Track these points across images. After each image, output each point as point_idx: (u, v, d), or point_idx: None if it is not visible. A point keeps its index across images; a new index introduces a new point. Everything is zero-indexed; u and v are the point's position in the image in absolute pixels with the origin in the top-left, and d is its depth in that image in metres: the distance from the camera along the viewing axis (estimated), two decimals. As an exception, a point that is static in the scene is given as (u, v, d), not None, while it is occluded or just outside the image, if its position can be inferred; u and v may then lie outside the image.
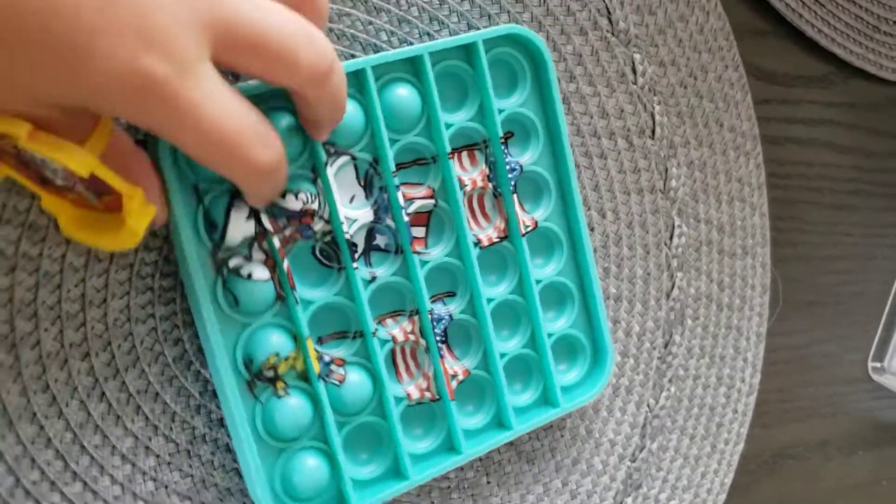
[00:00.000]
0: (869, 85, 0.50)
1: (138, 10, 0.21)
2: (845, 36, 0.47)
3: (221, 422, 0.33)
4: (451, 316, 0.35)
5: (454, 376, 0.35)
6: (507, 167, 0.36)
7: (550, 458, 0.40)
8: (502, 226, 0.36)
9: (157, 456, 0.32)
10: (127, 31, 0.21)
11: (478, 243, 0.35)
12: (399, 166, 0.34)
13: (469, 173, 0.35)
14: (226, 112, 0.23)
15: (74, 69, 0.21)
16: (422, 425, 0.35)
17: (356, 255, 0.33)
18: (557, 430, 0.40)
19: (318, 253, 0.33)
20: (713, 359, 0.44)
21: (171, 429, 0.32)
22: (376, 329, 0.33)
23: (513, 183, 0.36)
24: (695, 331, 0.43)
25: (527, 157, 0.36)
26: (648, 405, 0.42)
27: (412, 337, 0.34)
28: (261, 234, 0.31)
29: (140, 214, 0.25)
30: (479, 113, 0.35)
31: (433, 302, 0.35)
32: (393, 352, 0.34)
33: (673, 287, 0.42)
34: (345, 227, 0.32)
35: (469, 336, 0.36)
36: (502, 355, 0.36)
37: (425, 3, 0.35)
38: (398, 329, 0.34)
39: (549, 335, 0.37)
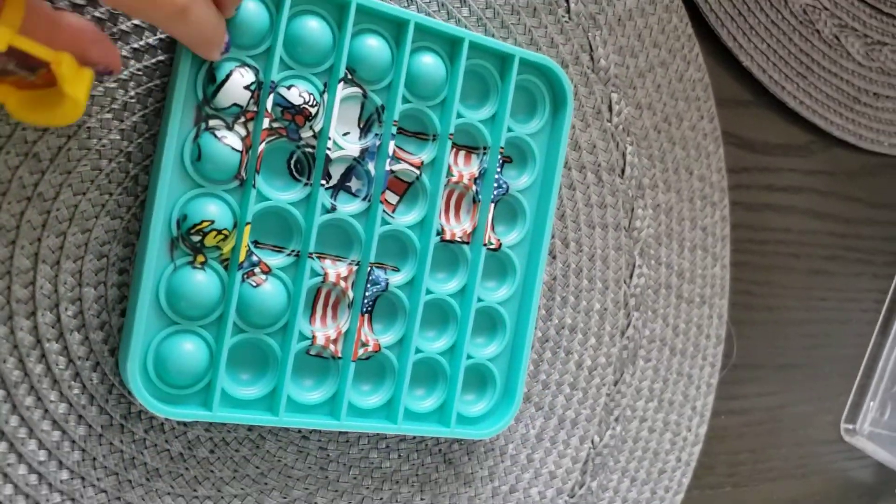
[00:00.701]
0: (848, 154, 0.52)
1: None
2: (826, 107, 0.49)
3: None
4: (387, 285, 0.35)
5: (365, 344, 0.34)
6: (496, 181, 0.36)
7: (488, 483, 0.40)
8: (469, 230, 0.36)
9: (90, 426, 0.31)
10: None
11: (441, 233, 0.36)
12: (401, 130, 0.35)
13: (459, 168, 0.36)
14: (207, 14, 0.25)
15: None
16: (313, 377, 0.34)
17: (326, 184, 0.33)
18: (499, 454, 0.40)
19: (292, 162, 0.33)
20: (661, 403, 0.44)
21: (108, 400, 0.32)
22: (313, 256, 0.33)
23: (494, 197, 0.36)
24: (646, 372, 0.43)
25: (517, 182, 0.37)
26: (592, 441, 0.42)
27: (343, 285, 0.34)
28: (251, 112, 0.31)
29: (74, 80, 0.25)
30: (491, 121, 0.36)
31: (377, 266, 0.35)
32: (318, 290, 0.34)
33: (629, 326, 0.43)
34: (329, 148, 0.33)
35: (395, 315, 0.35)
36: (418, 350, 0.35)
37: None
38: (333, 270, 0.34)
39: (469, 357, 0.37)
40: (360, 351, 0.34)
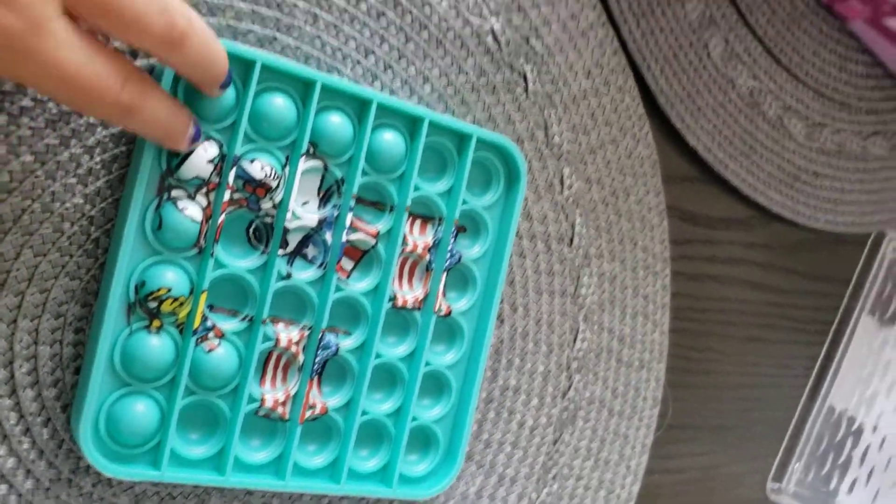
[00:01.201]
0: (787, 228, 0.54)
1: None
2: (767, 184, 0.52)
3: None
4: (337, 350, 0.36)
5: (312, 407, 0.35)
6: (449, 251, 0.38)
7: (426, 534, 0.41)
8: (421, 297, 0.38)
9: (37, 480, 0.32)
10: None
11: (393, 300, 0.37)
12: (358, 199, 0.36)
13: (415, 238, 0.38)
14: (74, 60, 0.25)
15: None
16: (261, 437, 0.35)
17: (283, 251, 0.34)
18: (440, 507, 0.41)
19: (251, 230, 0.34)
20: (598, 462, 0.46)
21: (57, 455, 0.32)
22: (266, 322, 0.34)
23: (447, 266, 0.38)
24: (584, 432, 0.45)
25: (469, 251, 0.39)
26: (530, 498, 0.44)
27: (294, 349, 0.35)
28: (213, 184, 0.32)
29: None
30: (447, 194, 0.38)
31: (329, 331, 0.36)
32: (269, 354, 0.35)
33: (570, 388, 0.44)
34: (287, 219, 0.34)
35: (343, 378, 0.37)
36: (364, 412, 0.37)
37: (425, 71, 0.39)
38: (285, 335, 0.35)
39: (414, 418, 0.38)
40: (308, 413, 0.35)
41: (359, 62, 0.37)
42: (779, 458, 0.57)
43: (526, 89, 0.41)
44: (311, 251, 0.36)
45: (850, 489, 0.59)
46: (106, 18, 0.25)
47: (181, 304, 0.32)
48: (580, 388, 0.45)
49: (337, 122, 0.35)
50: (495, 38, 0.40)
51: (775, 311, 0.55)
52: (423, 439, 0.39)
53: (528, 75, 0.41)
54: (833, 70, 0.53)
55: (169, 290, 0.32)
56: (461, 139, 0.38)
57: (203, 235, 0.32)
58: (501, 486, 0.43)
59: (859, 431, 0.60)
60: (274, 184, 0.33)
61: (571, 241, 0.44)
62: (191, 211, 0.32)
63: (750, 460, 0.56)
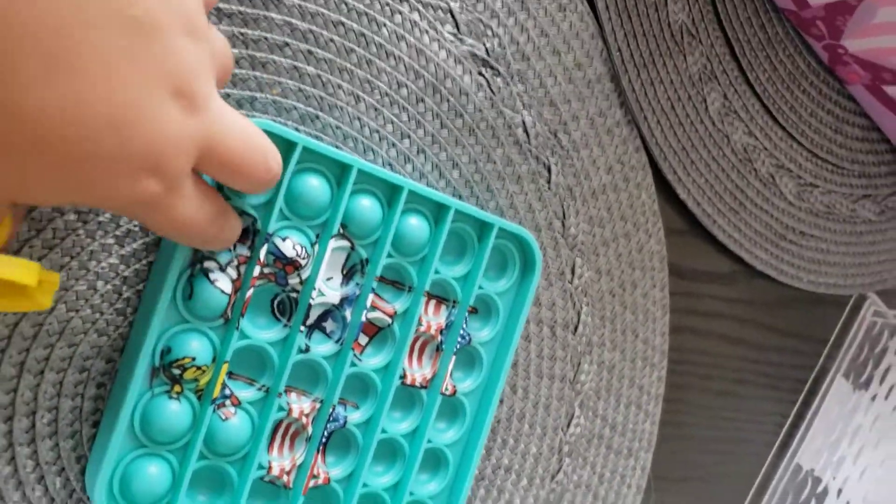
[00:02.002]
0: (768, 286, 0.55)
1: (152, 146, 0.24)
2: (753, 241, 0.53)
3: None
4: (345, 423, 0.37)
5: (315, 476, 0.37)
6: (460, 334, 0.39)
7: None
8: (429, 376, 0.39)
9: (46, 528, 0.33)
10: (137, 160, 0.24)
11: (402, 377, 0.38)
12: (380, 278, 0.37)
13: (429, 318, 0.39)
14: (195, 214, 0.28)
15: (78, 183, 0.24)
16: (263, 502, 0.36)
17: (304, 325, 0.35)
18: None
19: (276, 303, 0.35)
20: (579, 544, 0.47)
21: (67, 504, 0.34)
22: (282, 394, 0.35)
23: (457, 348, 0.39)
24: (569, 514, 0.47)
25: (478, 334, 0.40)
26: (511, 575, 0.45)
27: (304, 420, 0.36)
28: (244, 258, 0.34)
29: (42, 291, 0.26)
30: (464, 279, 0.39)
31: (339, 403, 0.37)
32: (279, 422, 0.36)
33: (559, 471, 0.46)
34: (312, 296, 0.35)
35: (348, 449, 0.38)
36: (364, 485, 0.38)
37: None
38: (297, 406, 0.36)
39: (411, 493, 0.39)
40: (311, 483, 0.37)
41: (394, 145, 0.39)
42: None
43: (549, 181, 0.43)
44: (329, 325, 0.37)
45: None
46: (228, 177, 0.28)
47: (203, 371, 0.33)
48: (569, 471, 0.46)
49: (367, 206, 0.36)
50: (525, 131, 0.42)
51: (750, 367, 0.56)
52: (416, 513, 0.40)
53: (553, 167, 0.43)
54: (829, 131, 0.54)
55: (193, 359, 0.33)
56: (483, 227, 0.39)
57: (230, 307, 0.34)
58: (485, 561, 0.44)
59: (824, 494, 0.62)
60: (303, 262, 0.35)
61: (576, 328, 0.45)
62: (221, 283, 0.33)
63: None
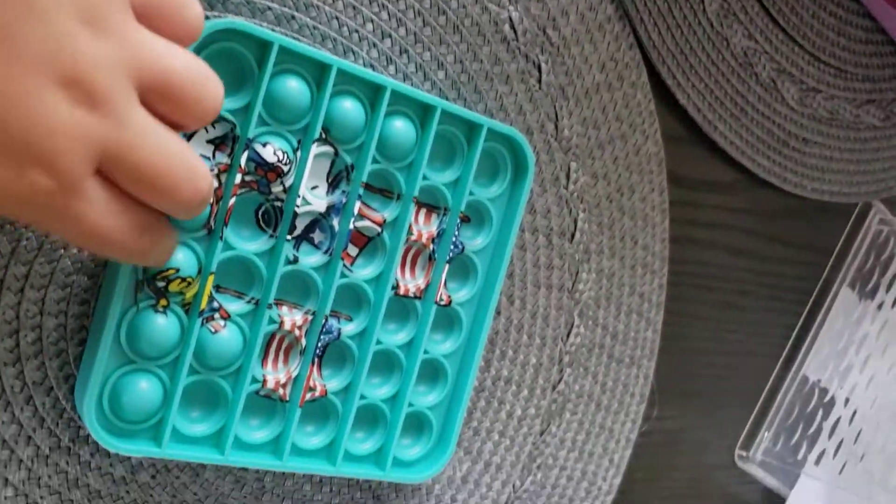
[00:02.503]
0: (771, 195, 0.54)
1: (31, 133, 0.23)
2: (755, 149, 0.51)
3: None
4: (339, 335, 0.36)
5: (312, 389, 0.36)
6: (452, 242, 0.38)
7: (412, 518, 0.42)
8: (423, 286, 0.38)
9: (38, 447, 0.33)
10: (16, 147, 0.23)
11: (395, 288, 0.37)
12: (367, 186, 0.36)
13: (419, 227, 0.38)
14: (107, 223, 0.26)
15: None
16: (260, 417, 0.36)
17: (290, 235, 0.34)
18: (426, 493, 0.42)
19: (260, 213, 0.34)
20: (582, 454, 0.47)
21: (58, 424, 0.33)
22: (272, 306, 0.34)
23: (450, 257, 0.38)
24: (571, 424, 0.46)
25: (472, 242, 0.39)
26: (514, 486, 0.45)
27: (297, 332, 0.35)
28: (225, 166, 0.32)
29: None
30: (454, 184, 0.38)
31: (331, 315, 0.36)
32: (272, 336, 0.35)
33: (560, 381, 0.45)
34: (296, 204, 0.34)
35: (343, 362, 0.37)
36: (362, 397, 0.37)
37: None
38: (289, 318, 0.35)
39: (410, 404, 0.38)
40: (308, 395, 0.36)
41: (375, 45, 0.37)
42: (748, 426, 0.58)
43: (539, 80, 0.41)
44: (317, 236, 0.36)
45: (818, 460, 0.60)
46: (145, 192, 0.26)
47: (188, 284, 0.32)
48: (570, 381, 0.45)
49: (350, 108, 0.35)
50: (513, 27, 0.40)
51: (754, 279, 0.55)
52: (417, 424, 0.40)
53: (543, 66, 0.41)
54: (831, 34, 0.52)
55: (177, 271, 0.32)
56: (471, 129, 0.38)
57: (213, 217, 0.33)
58: (487, 473, 0.43)
59: (831, 403, 0.61)
60: (286, 168, 0.33)
61: (573, 236, 0.44)
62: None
63: (716, 427, 0.56)
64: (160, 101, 0.26)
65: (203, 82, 0.27)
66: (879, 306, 0.62)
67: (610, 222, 0.45)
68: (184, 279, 0.32)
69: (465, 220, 0.39)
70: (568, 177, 0.43)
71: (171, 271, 0.32)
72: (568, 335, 0.45)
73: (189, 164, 0.26)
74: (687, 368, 0.53)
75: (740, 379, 0.57)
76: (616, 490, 0.48)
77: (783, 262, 0.56)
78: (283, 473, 0.38)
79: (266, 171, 0.33)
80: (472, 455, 0.43)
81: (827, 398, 0.61)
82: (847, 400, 0.62)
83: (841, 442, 0.61)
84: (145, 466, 0.35)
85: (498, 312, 0.42)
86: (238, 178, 0.33)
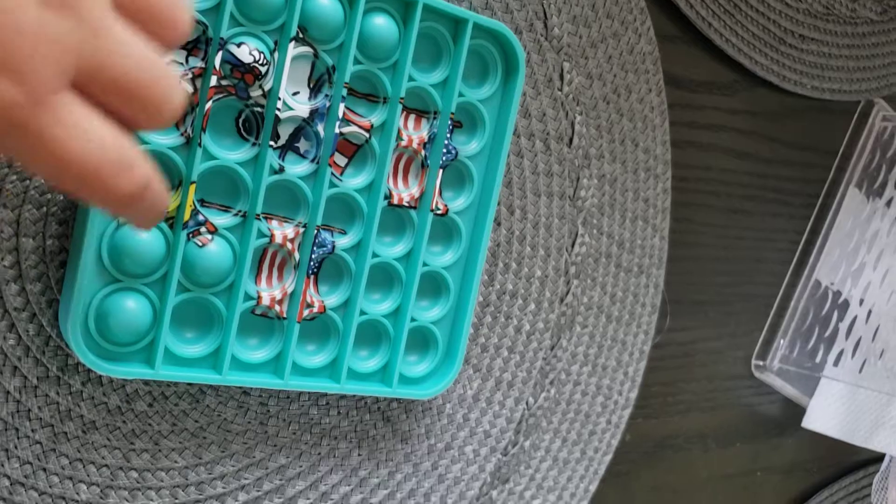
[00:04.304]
0: (771, 94, 0.52)
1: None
2: (752, 46, 0.50)
3: (98, 353, 0.32)
4: (333, 248, 0.35)
5: (310, 305, 0.34)
6: (445, 147, 0.36)
7: (424, 440, 0.40)
8: (417, 195, 0.37)
9: (25, 377, 0.31)
10: None
11: (388, 197, 0.36)
12: (351, 91, 0.34)
13: (409, 132, 0.36)
14: (78, 145, 0.23)
15: None
16: (258, 336, 0.34)
17: (275, 144, 0.33)
18: (437, 412, 0.41)
19: (240, 121, 0.32)
20: (595, 368, 0.45)
21: (44, 352, 0.31)
22: (260, 217, 0.33)
23: (443, 163, 0.36)
24: (582, 338, 0.45)
25: (466, 148, 0.37)
26: (527, 403, 0.43)
27: (289, 246, 0.34)
28: (199, 69, 0.31)
29: None
30: (442, 85, 0.36)
31: (324, 229, 0.35)
32: (264, 251, 0.34)
33: (568, 293, 0.44)
34: (278, 108, 0.32)
35: (340, 277, 0.36)
36: (362, 312, 0.36)
37: None
38: (280, 232, 0.34)
39: (413, 319, 0.37)
40: (305, 312, 0.34)
41: (349, -55, 0.35)
42: (763, 334, 0.56)
43: (524, -22, 0.39)
44: (303, 145, 0.34)
45: (837, 361, 0.59)
46: (118, 99, 0.23)
47: (171, 197, 0.31)
48: (578, 293, 0.44)
49: (325, 4, 0.33)
50: (493, -77, 0.38)
51: (758, 182, 0.53)
52: (421, 340, 0.38)
53: (527, -36, 0.40)
54: None
55: (156, 180, 0.30)
56: (457, 25, 0.36)
57: (190, 123, 0.31)
58: (499, 391, 0.42)
59: (845, 305, 0.60)
60: (263, 69, 0.32)
61: (571, 140, 0.42)
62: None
63: (730, 337, 0.55)
64: (104, 93, 0.23)
65: (154, 84, 0.24)
66: (888, 203, 0.60)
67: (609, 125, 0.43)
68: (164, 189, 0.30)
69: (458, 125, 0.37)
70: (562, 78, 0.41)
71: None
72: (573, 245, 0.43)
73: (164, 69, 0.24)
74: (696, 277, 0.51)
75: (751, 286, 0.55)
76: (633, 404, 0.47)
77: (788, 164, 0.55)
78: (288, 397, 0.37)
79: (243, 73, 0.32)
80: (481, 372, 0.41)
81: (841, 300, 0.60)
82: (861, 300, 0.60)
83: (859, 341, 0.59)
84: (141, 395, 0.33)
85: (498, 223, 0.41)
86: (214, 81, 0.31)
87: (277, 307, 0.34)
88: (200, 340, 0.33)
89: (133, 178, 0.24)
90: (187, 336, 0.33)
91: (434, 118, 0.37)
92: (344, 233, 0.36)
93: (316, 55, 0.33)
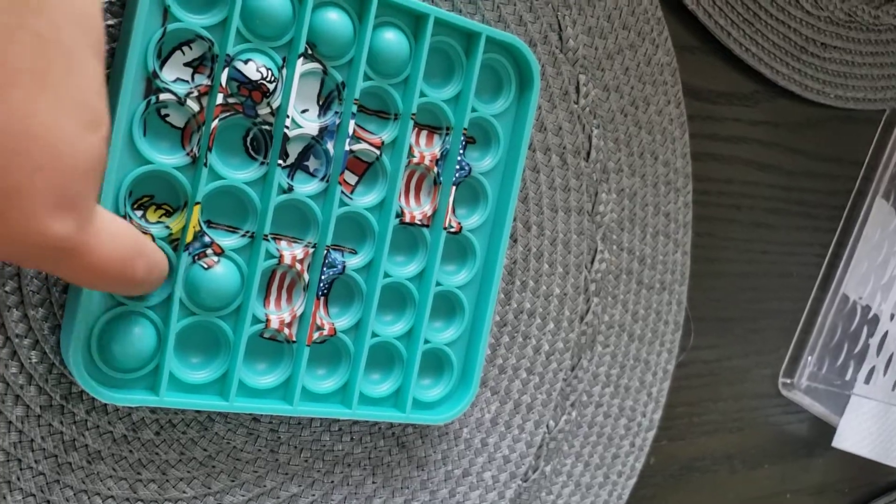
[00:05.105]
0: (793, 105, 0.51)
1: (60, 172, 0.21)
2: (772, 56, 0.48)
3: (102, 381, 0.31)
4: (343, 268, 0.34)
5: (320, 328, 0.33)
6: (458, 163, 0.35)
7: (441, 466, 0.39)
8: (429, 213, 0.36)
9: (28, 407, 0.30)
10: (45, 192, 0.20)
11: (400, 216, 0.35)
12: (361, 108, 0.33)
13: (421, 149, 0.35)
14: (112, 252, 0.24)
15: None
16: (266, 361, 0.33)
17: (283, 163, 0.32)
18: (454, 437, 0.39)
19: (248, 140, 0.32)
20: (618, 389, 0.44)
21: (47, 381, 0.30)
22: (268, 238, 0.32)
23: (456, 180, 0.35)
24: (603, 358, 0.43)
25: (479, 164, 0.36)
26: (548, 426, 0.42)
27: (298, 267, 0.33)
28: (205, 87, 0.30)
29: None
30: (455, 101, 0.35)
31: (334, 248, 0.34)
32: (273, 273, 0.33)
33: (588, 311, 0.42)
34: (286, 126, 0.31)
35: (351, 299, 0.35)
36: (374, 334, 0.35)
37: None
38: (289, 252, 0.33)
39: (426, 341, 0.36)
40: (315, 335, 0.33)
41: (358, -42, 0.34)
42: (790, 351, 0.55)
43: (538, -11, 0.38)
44: (312, 163, 0.33)
45: (868, 378, 0.57)
46: None
47: (166, 212, 0.30)
48: (598, 311, 0.43)
49: (335, 20, 0.32)
50: (504, -66, 0.37)
51: (781, 195, 0.52)
52: (436, 363, 0.37)
53: (540, -25, 0.39)
54: None
55: (152, 197, 0.29)
56: (469, 39, 0.35)
57: (197, 142, 0.30)
58: (518, 414, 0.41)
59: (875, 320, 0.58)
60: (271, 86, 0.31)
61: (588, 154, 0.41)
62: (173, 118, 0.30)
63: (756, 354, 0.53)
64: None
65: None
66: (918, 213, 0.59)
67: (627, 138, 0.42)
68: (160, 206, 0.30)
69: (471, 141, 0.36)
70: (578, 91, 0.40)
71: (145, 198, 0.29)
72: (592, 261, 0.42)
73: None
74: (720, 293, 0.50)
75: (777, 302, 0.53)
76: (657, 426, 0.45)
77: (812, 175, 0.53)
78: (300, 423, 0.35)
79: (250, 91, 0.31)
80: (499, 395, 0.40)
81: (871, 315, 0.58)
82: (893, 315, 0.58)
83: (891, 357, 0.57)
84: (148, 423, 0.32)
85: (514, 240, 0.40)
86: (220, 99, 0.30)
87: (287, 330, 0.33)
88: (207, 366, 0.32)
89: (149, 267, 0.26)
90: (193, 361, 0.32)
91: (447, 134, 0.36)
92: (355, 252, 0.34)
93: (325, 71, 0.32)
